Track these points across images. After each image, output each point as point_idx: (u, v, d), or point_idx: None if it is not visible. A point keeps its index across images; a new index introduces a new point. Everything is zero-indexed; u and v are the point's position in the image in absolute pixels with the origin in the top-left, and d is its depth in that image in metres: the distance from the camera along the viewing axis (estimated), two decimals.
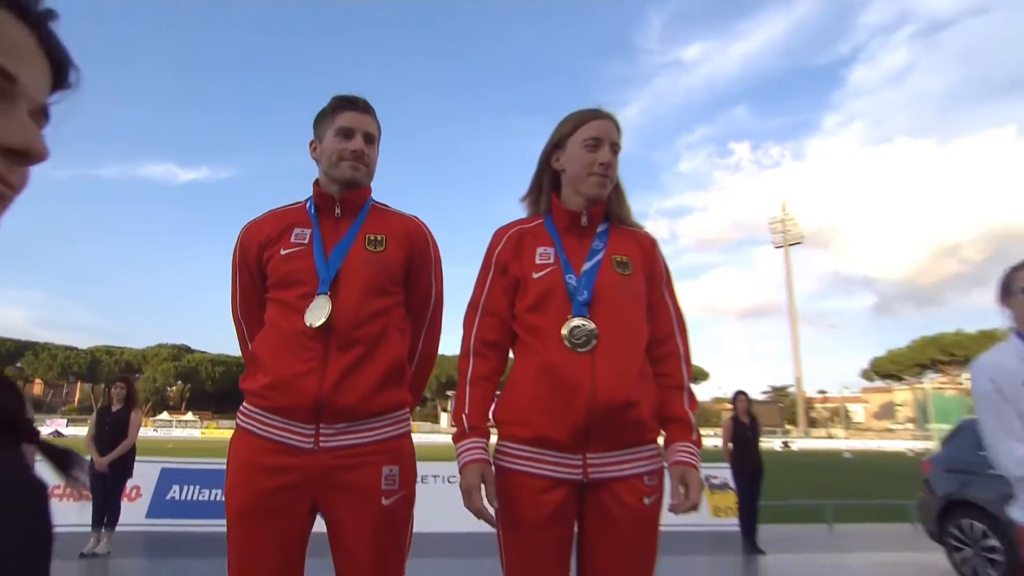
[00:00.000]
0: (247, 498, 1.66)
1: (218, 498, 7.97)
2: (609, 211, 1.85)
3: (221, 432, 58.24)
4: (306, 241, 1.81)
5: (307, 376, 1.67)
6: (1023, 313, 2.22)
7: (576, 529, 1.67)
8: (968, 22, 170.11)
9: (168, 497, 7.88)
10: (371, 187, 1.93)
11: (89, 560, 5.84)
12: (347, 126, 1.83)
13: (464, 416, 1.68)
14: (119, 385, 6.53)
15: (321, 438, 1.68)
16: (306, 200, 1.92)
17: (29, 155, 0.55)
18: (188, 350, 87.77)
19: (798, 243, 79.33)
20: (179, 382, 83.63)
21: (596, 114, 1.79)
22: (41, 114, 0.59)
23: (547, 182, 1.86)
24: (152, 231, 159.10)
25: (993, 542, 5.13)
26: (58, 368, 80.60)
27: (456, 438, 1.68)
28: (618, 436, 1.61)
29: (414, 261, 1.90)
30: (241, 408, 1.77)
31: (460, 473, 1.62)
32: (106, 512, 6.07)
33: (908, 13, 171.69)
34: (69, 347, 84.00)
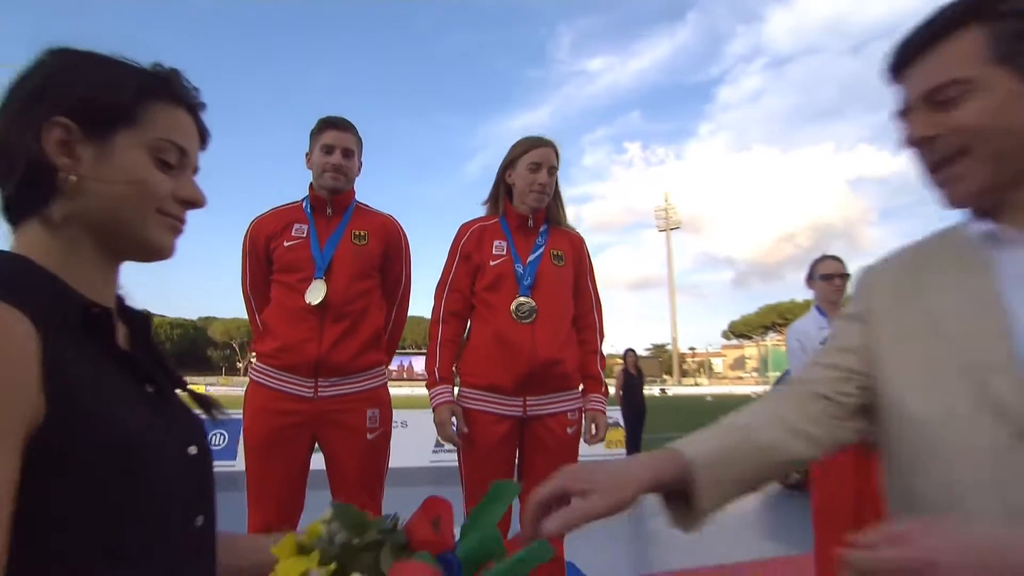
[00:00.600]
0: (262, 434, 1.82)
1: None
2: (549, 215, 2.02)
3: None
4: (304, 235, 1.94)
5: (308, 342, 1.83)
6: (820, 293, 2.69)
7: (517, 453, 1.91)
8: (803, 59, 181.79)
9: None
10: (354, 190, 2.06)
11: None
12: (329, 143, 1.94)
13: (436, 369, 1.88)
14: None
15: (319, 389, 1.85)
16: (302, 200, 2.03)
17: (195, 204, 0.70)
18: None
19: (677, 228, 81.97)
20: None
21: (539, 143, 1.95)
22: (195, 171, 0.72)
23: (502, 191, 2.02)
24: None
25: None
26: None
27: (429, 385, 1.89)
28: (549, 384, 1.86)
29: (389, 252, 2.05)
30: (253, 366, 1.92)
31: (434, 411, 1.84)
32: None
33: (761, 47, 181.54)
34: None
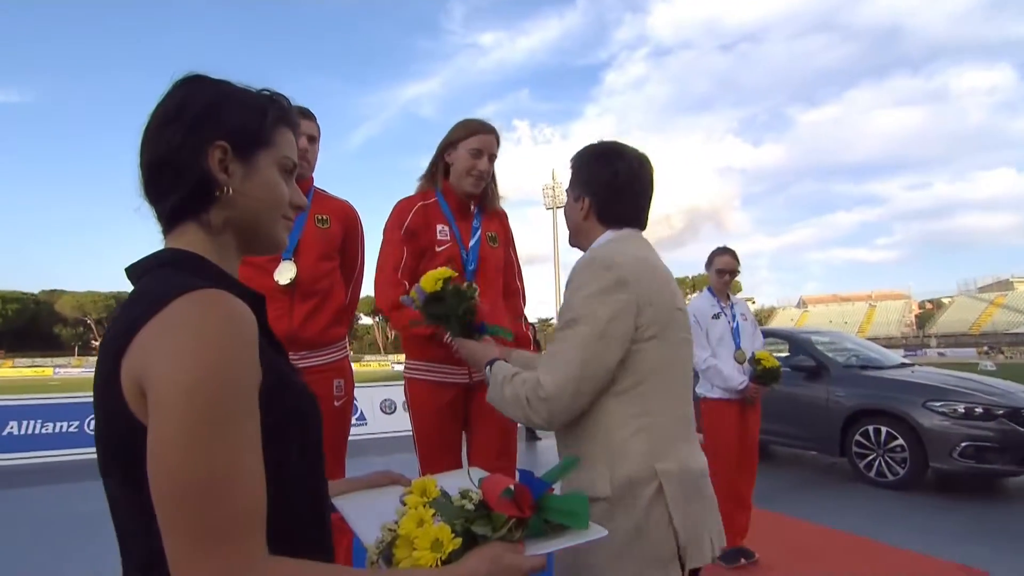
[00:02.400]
0: None
1: (62, 429, 7.12)
2: (483, 198, 2.09)
3: (19, 371, 47.94)
4: None
5: (279, 319, 1.95)
6: (712, 281, 3.30)
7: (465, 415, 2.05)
8: (681, 52, 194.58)
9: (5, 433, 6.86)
10: (313, 175, 2.15)
11: None
12: None
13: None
14: None
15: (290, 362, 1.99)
16: None
17: (302, 208, 0.86)
18: None
19: (563, 206, 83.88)
20: None
21: (483, 129, 1.97)
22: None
23: (440, 168, 2.04)
24: None
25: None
26: None
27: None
28: None
29: (347, 235, 2.19)
30: None
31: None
32: None
33: (645, 37, 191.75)
34: None
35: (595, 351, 1.10)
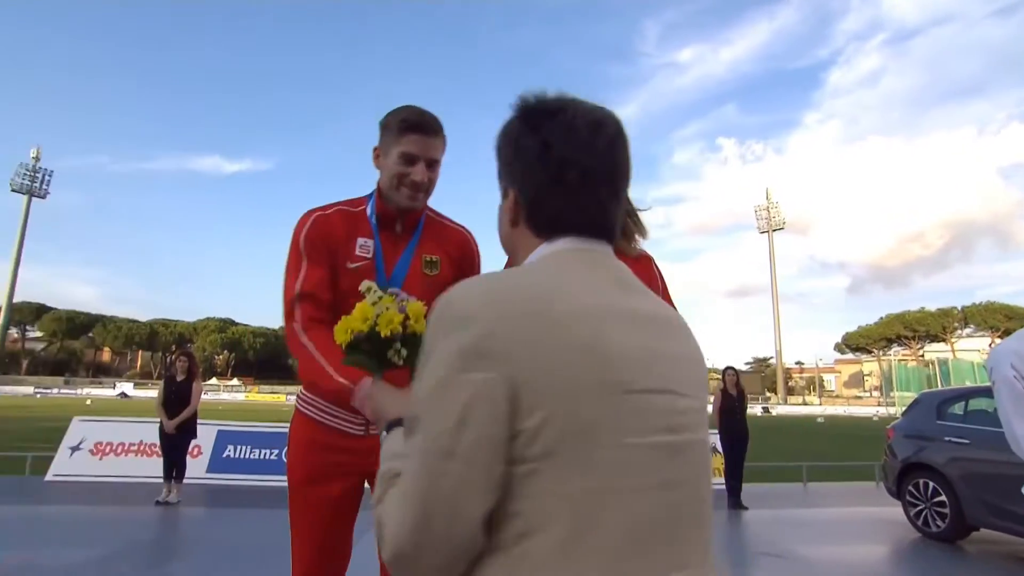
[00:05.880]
0: (307, 470, 1.75)
1: (264, 456, 8.26)
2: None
3: (262, 396, 58.72)
4: (369, 255, 1.78)
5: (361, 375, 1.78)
6: None
7: None
8: (933, 31, 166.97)
9: (224, 455, 8.16)
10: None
11: (163, 507, 6.16)
12: (411, 152, 1.68)
13: None
14: (182, 359, 6.73)
15: (371, 426, 1.78)
16: (367, 203, 1.83)
17: None
18: (232, 323, 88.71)
19: (780, 228, 77.96)
20: (225, 351, 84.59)
21: None
22: None
23: None
24: (201, 217, 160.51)
25: (942, 498, 5.27)
26: (123, 338, 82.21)
27: None
28: None
29: (463, 275, 1.92)
30: (300, 395, 1.85)
31: None
32: (175, 467, 6.38)
33: (880, 22, 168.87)
34: (131, 320, 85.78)
35: (440, 483, 0.63)
